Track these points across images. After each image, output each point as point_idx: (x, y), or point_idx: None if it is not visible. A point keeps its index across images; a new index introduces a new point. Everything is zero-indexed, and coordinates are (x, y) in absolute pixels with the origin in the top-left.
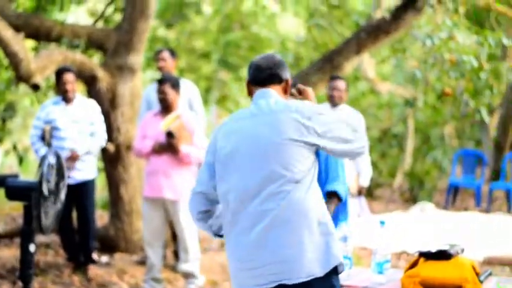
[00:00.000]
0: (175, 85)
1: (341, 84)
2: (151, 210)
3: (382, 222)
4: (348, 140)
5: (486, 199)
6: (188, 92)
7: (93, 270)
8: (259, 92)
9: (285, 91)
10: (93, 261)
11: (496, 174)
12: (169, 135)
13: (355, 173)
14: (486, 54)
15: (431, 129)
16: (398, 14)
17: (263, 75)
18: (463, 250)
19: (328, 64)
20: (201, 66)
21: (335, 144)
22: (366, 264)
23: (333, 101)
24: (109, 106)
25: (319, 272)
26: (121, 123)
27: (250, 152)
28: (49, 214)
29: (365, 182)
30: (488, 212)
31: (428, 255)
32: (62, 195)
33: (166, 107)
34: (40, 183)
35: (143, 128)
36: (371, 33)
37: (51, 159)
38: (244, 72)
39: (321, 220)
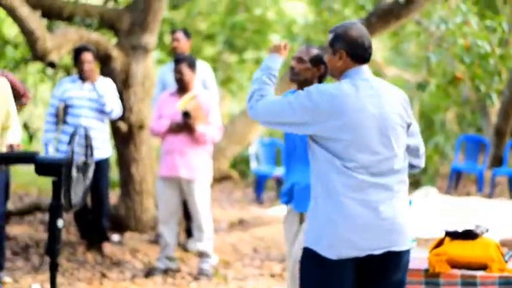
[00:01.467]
0: (192, 65)
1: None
2: (167, 189)
3: (410, 202)
4: None
5: (488, 185)
6: (202, 72)
7: (106, 248)
8: (365, 68)
9: None
10: (107, 239)
11: (498, 160)
12: (186, 114)
13: None
14: (497, 40)
15: (434, 115)
16: None
17: (369, 53)
18: (487, 230)
19: None
20: (204, 47)
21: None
22: None
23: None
24: (122, 86)
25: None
26: (134, 102)
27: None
28: (78, 190)
29: None
30: (490, 197)
31: (454, 235)
32: (90, 172)
33: (182, 87)
34: (70, 159)
35: (160, 108)
36: (382, 17)
37: (80, 136)
38: (249, 55)
39: None
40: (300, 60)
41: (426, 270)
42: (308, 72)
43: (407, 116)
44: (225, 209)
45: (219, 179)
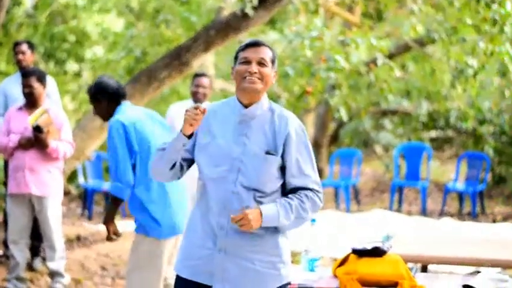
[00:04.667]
0: (41, 78)
1: (205, 81)
2: (17, 207)
3: (313, 220)
4: None
5: None
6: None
7: None
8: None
9: None
10: None
11: (319, 172)
12: (37, 129)
13: None
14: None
15: None
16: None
17: None
18: (391, 246)
19: (176, 60)
20: None
21: None
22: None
23: (197, 98)
24: None
25: None
26: None
27: None
28: None
29: None
30: None
31: (361, 252)
32: None
33: (32, 101)
34: None
35: (7, 123)
36: (220, 30)
37: None
38: (69, 67)
39: None
40: None
41: None
42: None
43: None
44: None
45: None
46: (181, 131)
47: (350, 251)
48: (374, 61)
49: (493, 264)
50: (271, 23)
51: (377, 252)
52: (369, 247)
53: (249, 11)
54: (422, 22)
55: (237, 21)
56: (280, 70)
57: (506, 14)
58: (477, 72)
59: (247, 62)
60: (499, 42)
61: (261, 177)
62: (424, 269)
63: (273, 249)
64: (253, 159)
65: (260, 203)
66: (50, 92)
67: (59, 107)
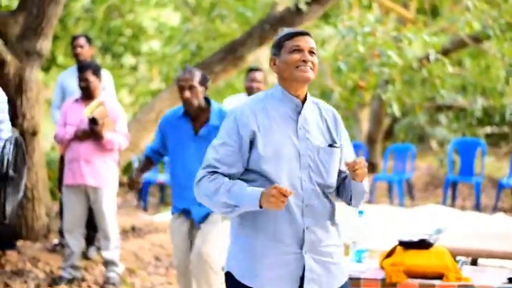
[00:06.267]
0: (97, 72)
1: (259, 75)
2: (73, 197)
3: (360, 212)
4: None
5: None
6: (103, 79)
7: (4, 258)
8: None
9: None
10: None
11: (372, 166)
12: (93, 121)
13: None
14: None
15: None
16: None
17: None
18: (438, 239)
19: (231, 55)
20: None
21: None
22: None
23: (251, 93)
24: (14, 91)
25: None
26: (26, 109)
27: None
28: (11, 201)
29: None
30: (370, 203)
31: (408, 244)
32: (22, 184)
33: (88, 94)
34: (4, 170)
35: (64, 115)
36: (274, 25)
37: (11, 146)
38: (125, 60)
39: None
40: (191, 87)
41: (383, 280)
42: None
43: None
44: None
45: None
46: (259, 202)
47: (397, 243)
48: (426, 57)
49: None
50: (325, 17)
51: (423, 245)
52: (415, 239)
53: (302, 6)
54: (477, 18)
55: (291, 16)
56: (334, 65)
57: None
58: None
59: (300, 50)
60: None
61: (330, 171)
62: (474, 263)
63: (338, 240)
64: (321, 154)
65: (328, 198)
66: (105, 85)
67: (115, 100)
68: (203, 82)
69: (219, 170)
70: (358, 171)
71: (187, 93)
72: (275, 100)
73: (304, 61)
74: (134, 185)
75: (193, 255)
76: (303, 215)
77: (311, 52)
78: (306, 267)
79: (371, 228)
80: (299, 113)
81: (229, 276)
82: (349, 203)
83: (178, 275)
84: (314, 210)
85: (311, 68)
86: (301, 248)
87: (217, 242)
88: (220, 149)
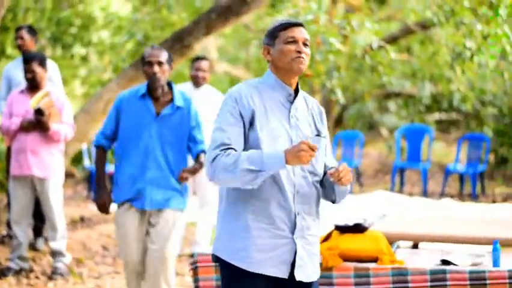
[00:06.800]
0: (42, 62)
1: (204, 64)
2: (19, 188)
3: None
4: None
5: None
6: (49, 70)
7: None
8: None
9: None
10: None
11: None
12: (39, 112)
13: None
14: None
15: None
16: None
17: None
18: (373, 223)
19: (178, 44)
20: None
21: None
22: None
23: (197, 82)
24: None
25: None
26: None
27: None
28: None
29: None
30: None
31: (343, 229)
32: None
33: (34, 85)
34: None
35: (10, 106)
36: (221, 14)
37: None
38: (76, 51)
39: None
40: (160, 63)
41: (320, 264)
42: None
43: None
44: None
45: None
46: (285, 160)
47: (333, 227)
48: (370, 45)
49: (488, 242)
50: (272, 6)
51: (358, 229)
52: (351, 224)
53: None
54: (423, 5)
55: (238, 5)
56: None
57: None
58: (474, 54)
59: (295, 41)
60: (496, 25)
61: (319, 160)
62: (415, 247)
63: (318, 231)
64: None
65: (316, 187)
66: (51, 76)
67: (61, 90)
68: (169, 62)
69: (231, 146)
70: (343, 180)
71: (156, 68)
72: (268, 87)
73: (299, 52)
74: (107, 210)
75: (152, 255)
76: (294, 201)
77: (305, 44)
78: (297, 253)
79: None
80: (291, 102)
81: (215, 259)
82: (333, 201)
83: (128, 272)
84: (305, 197)
85: (304, 60)
86: (292, 233)
87: (176, 239)
88: (228, 129)
